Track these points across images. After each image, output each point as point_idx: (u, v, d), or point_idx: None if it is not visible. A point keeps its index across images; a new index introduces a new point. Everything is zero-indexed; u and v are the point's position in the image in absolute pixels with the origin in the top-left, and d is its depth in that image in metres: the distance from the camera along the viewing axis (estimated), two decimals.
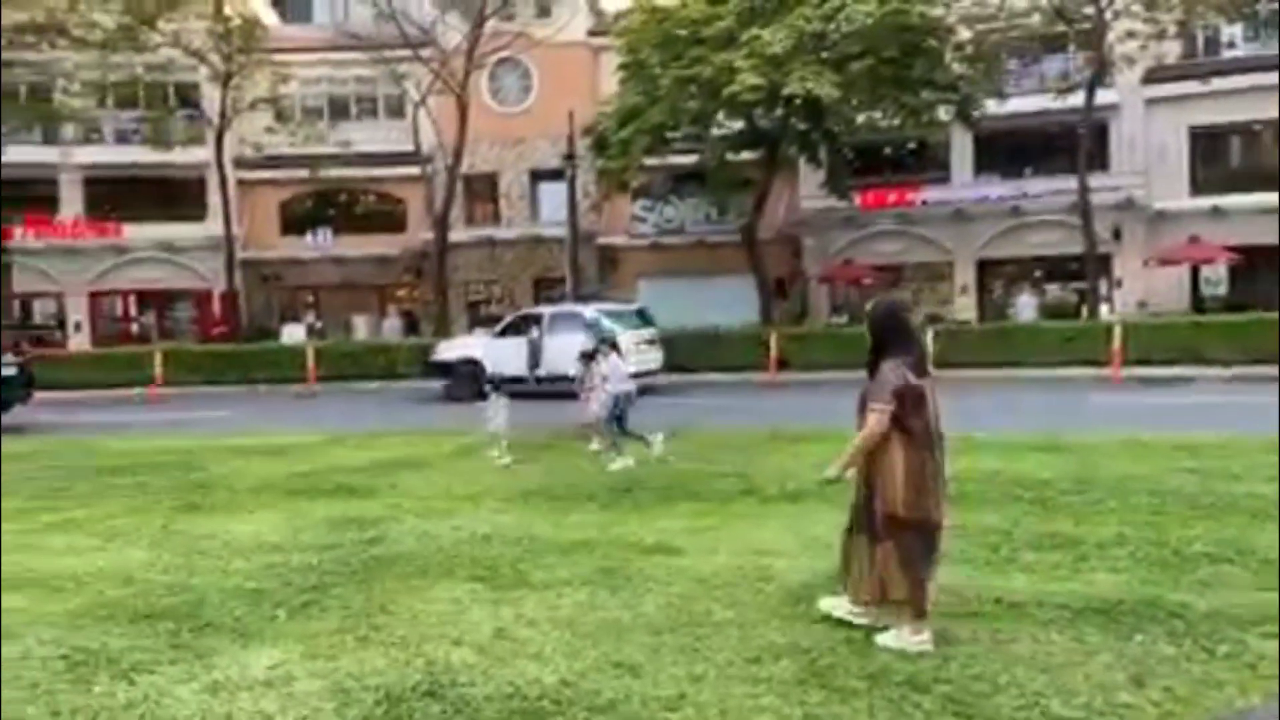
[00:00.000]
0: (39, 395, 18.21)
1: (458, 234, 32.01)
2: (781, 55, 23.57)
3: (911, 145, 31.33)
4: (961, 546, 6.55)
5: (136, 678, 4.69)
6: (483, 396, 19.52)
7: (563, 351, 19.96)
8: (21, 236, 30.89)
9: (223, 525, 8.16)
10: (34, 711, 4.32)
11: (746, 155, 28.25)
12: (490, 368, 20.24)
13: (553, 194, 32.45)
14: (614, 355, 11.81)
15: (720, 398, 19.62)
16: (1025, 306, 28.41)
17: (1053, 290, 30.71)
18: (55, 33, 27.05)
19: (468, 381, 19.73)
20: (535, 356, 20.39)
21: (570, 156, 28.12)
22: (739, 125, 27.40)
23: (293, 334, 31.00)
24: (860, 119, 26.85)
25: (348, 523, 8.12)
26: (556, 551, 6.89)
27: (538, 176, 34.07)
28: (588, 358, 12.67)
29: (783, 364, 23.20)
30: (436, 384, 21.39)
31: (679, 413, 15.34)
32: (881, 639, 4.78)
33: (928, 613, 4.78)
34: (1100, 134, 28.74)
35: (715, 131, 27.48)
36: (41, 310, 34.24)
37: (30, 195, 31.62)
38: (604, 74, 32.04)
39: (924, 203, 30.91)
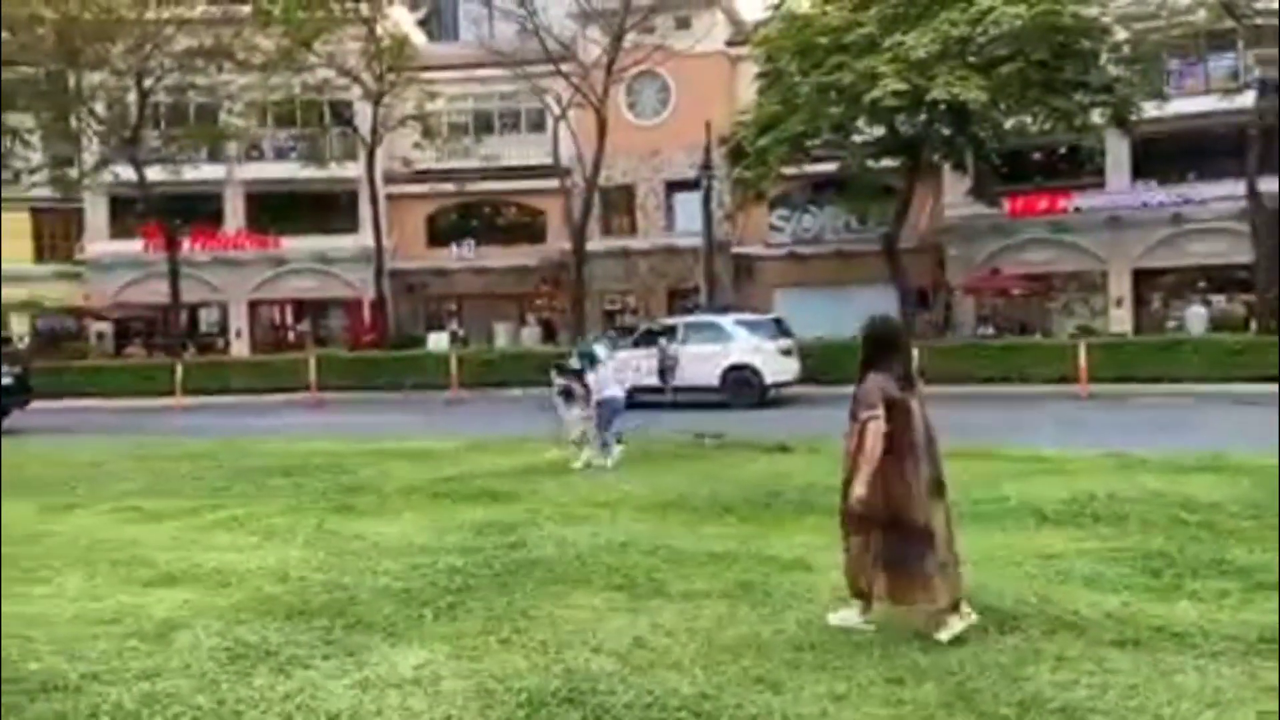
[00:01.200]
0: (200, 399, 19.35)
1: (595, 244, 32.49)
2: (926, 60, 23.04)
3: (1063, 150, 30.12)
4: (1120, 570, 6.23)
5: (293, 671, 4.86)
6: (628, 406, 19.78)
7: (698, 362, 20.02)
8: (189, 249, 32.79)
9: (372, 527, 8.43)
10: (203, 700, 4.52)
11: (888, 162, 27.75)
12: None
13: (688, 204, 32.57)
14: (598, 368, 12.66)
15: None
16: (1196, 318, 26.86)
17: (1218, 302, 28.97)
18: (222, 56, 28.68)
19: None
20: (668, 367, 20.43)
21: (707, 166, 28.15)
22: (880, 132, 26.91)
23: (437, 341, 31.98)
24: (1009, 124, 25.99)
25: (489, 527, 8.24)
26: (694, 563, 6.83)
27: (673, 187, 34.26)
28: (574, 372, 13.10)
29: (924, 377, 22.57)
30: None
31: (816, 424, 15.06)
32: (832, 617, 5.39)
33: (943, 608, 5.08)
34: (1271, 135, 26.98)
35: (856, 139, 27.05)
36: (206, 318, 36.35)
37: (197, 210, 33.65)
38: (741, 84, 32.01)
39: (1076, 210, 29.68)
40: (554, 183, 32.10)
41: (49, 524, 9.19)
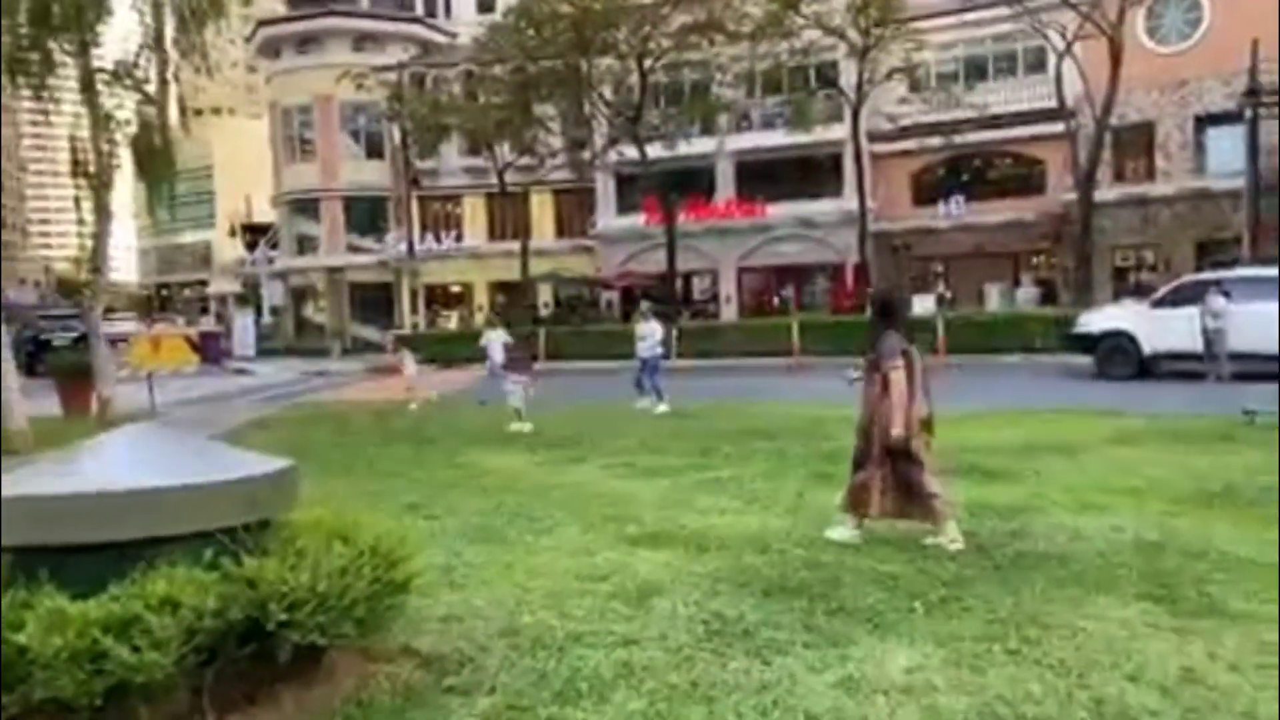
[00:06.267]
0: (692, 362, 19.84)
1: (1104, 193, 29.08)
2: None
3: None
4: None
5: (770, 658, 4.50)
6: (1141, 374, 17.32)
7: (1247, 325, 16.71)
8: (684, 220, 34.66)
9: None
10: (676, 677, 4.29)
11: None
12: (1145, 342, 17.85)
13: (1223, 140, 27.97)
14: (653, 323, 16.19)
15: None
16: None
17: None
18: (713, 30, 29.67)
19: (1119, 357, 17.59)
20: (1214, 331, 17.22)
21: (1253, 93, 23.77)
22: None
23: (923, 305, 30.75)
24: None
25: (986, 510, 7.37)
26: (1258, 574, 5.48)
27: (1204, 122, 29.65)
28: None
29: None
30: (1082, 359, 19.41)
31: None
32: (830, 533, 6.61)
33: (940, 512, 6.35)
34: None
35: None
36: (699, 285, 38.34)
37: (691, 183, 35.45)
38: None
39: None
40: (1056, 127, 29.15)
41: (559, 476, 9.85)
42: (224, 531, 4.03)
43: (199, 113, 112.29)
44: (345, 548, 4.22)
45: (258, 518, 4.24)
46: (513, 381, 13.77)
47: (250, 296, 49.42)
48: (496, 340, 15.56)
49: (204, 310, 63.09)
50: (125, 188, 35.39)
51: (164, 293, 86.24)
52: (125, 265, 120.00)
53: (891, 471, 6.35)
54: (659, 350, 15.99)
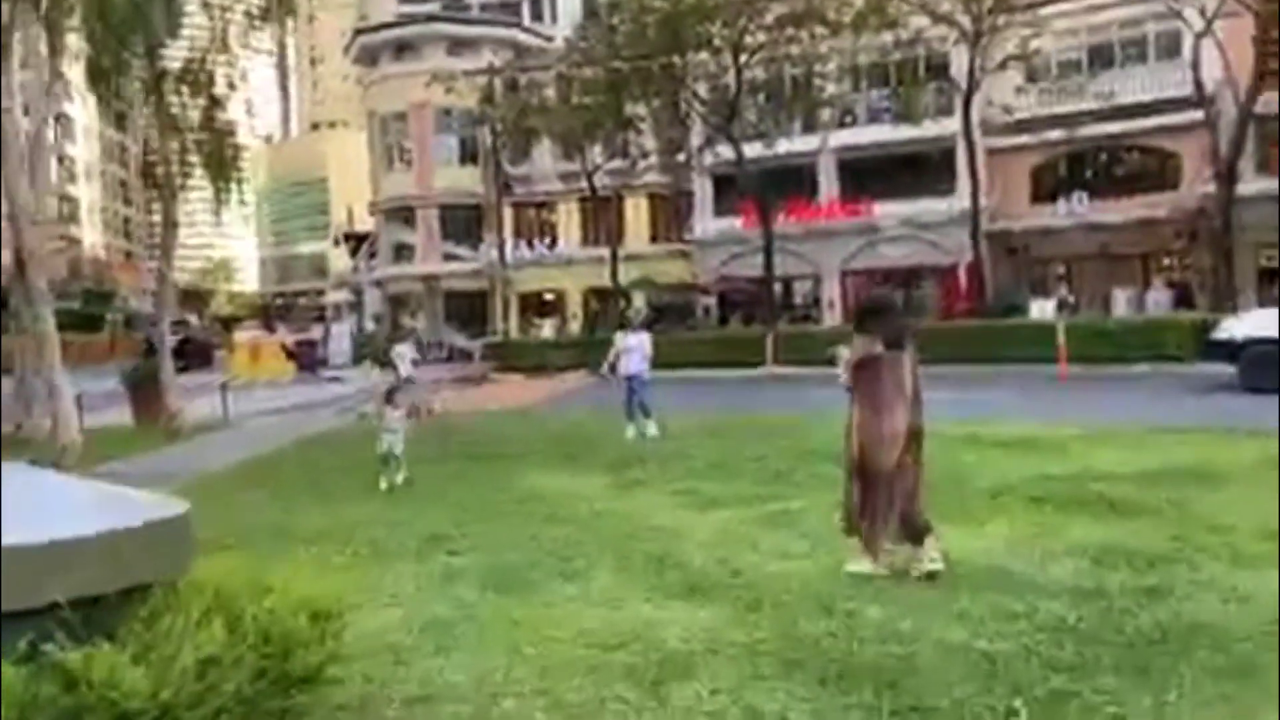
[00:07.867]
0: (789, 369, 18.75)
1: (1248, 186, 26.41)
2: None
3: None
4: None
5: None
6: None
7: None
8: (783, 222, 33.03)
9: (948, 537, 6.41)
10: None
11: None
12: None
13: None
14: (640, 334, 14.04)
15: None
16: None
17: None
18: (814, 20, 28.09)
19: (1267, 366, 15.54)
20: None
21: None
22: None
23: (1042, 309, 28.63)
24: None
25: (1113, 556, 6.02)
26: None
27: None
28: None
29: None
30: (1222, 369, 17.31)
31: None
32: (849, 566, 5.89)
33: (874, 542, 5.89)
34: None
35: None
36: (800, 290, 36.65)
37: (793, 183, 33.81)
38: None
39: None
40: (1192, 116, 26.63)
41: (611, 502, 8.83)
42: (53, 607, 3.03)
43: (315, 127, 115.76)
44: (223, 630, 3.15)
45: (116, 587, 3.22)
46: (396, 421, 10.50)
47: (359, 305, 49.95)
48: (405, 355, 13.84)
49: (319, 318, 64.41)
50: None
51: (279, 301, 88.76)
52: (248, 275, 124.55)
53: (856, 489, 6.01)
54: (644, 366, 13.67)
